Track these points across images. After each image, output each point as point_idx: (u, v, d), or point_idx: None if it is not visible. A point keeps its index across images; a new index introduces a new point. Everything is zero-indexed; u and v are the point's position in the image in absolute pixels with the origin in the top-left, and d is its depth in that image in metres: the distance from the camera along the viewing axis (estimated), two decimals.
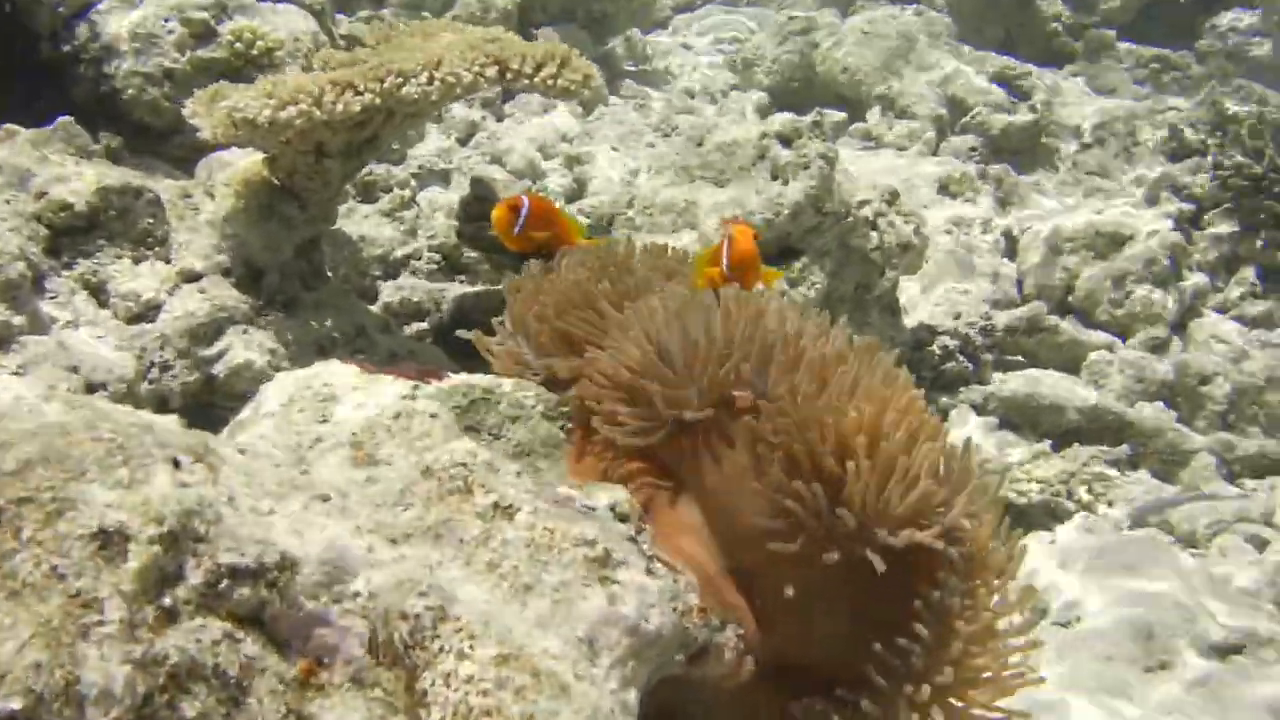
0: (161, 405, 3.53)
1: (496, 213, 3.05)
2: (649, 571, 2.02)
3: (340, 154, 3.84)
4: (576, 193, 6.11)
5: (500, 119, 7.39)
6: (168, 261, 3.76)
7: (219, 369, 3.62)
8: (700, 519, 2.28)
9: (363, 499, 1.87)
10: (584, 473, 2.40)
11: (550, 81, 3.70)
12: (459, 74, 3.55)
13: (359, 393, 2.35)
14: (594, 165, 6.10)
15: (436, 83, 3.54)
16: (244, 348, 3.65)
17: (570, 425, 2.48)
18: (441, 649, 1.65)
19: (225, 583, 1.63)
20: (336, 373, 2.42)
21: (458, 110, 7.25)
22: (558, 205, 3.40)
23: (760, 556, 2.20)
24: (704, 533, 2.27)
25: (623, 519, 2.21)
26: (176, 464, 1.72)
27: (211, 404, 3.66)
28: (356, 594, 1.69)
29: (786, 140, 4.10)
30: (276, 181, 3.87)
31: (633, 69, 8.88)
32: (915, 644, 2.08)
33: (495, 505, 1.87)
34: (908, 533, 2.05)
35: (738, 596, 2.28)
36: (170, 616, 1.53)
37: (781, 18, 8.66)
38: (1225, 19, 10.70)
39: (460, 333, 2.61)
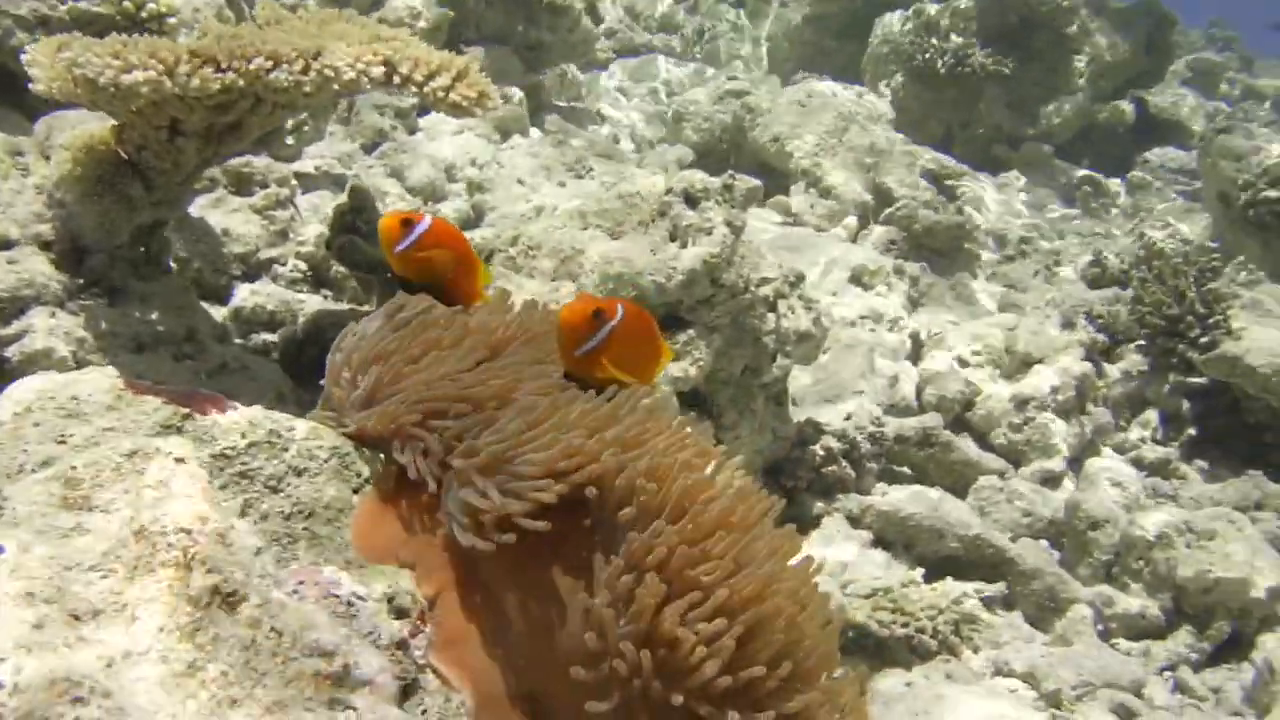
0: None
1: (385, 222, 2.63)
2: (404, 693, 1.65)
3: (198, 135, 3.41)
4: (473, 221, 5.74)
5: (412, 131, 7.02)
6: None
7: (12, 352, 3.17)
8: (495, 628, 1.90)
9: (52, 555, 1.47)
10: (374, 548, 2.01)
11: (441, 94, 3.32)
12: (338, 68, 3.16)
13: (112, 414, 1.95)
14: (494, 195, 5.73)
15: (312, 73, 3.14)
16: (47, 332, 3.21)
17: (369, 490, 2.10)
18: None
19: None
20: (92, 385, 2.02)
21: (367, 116, 6.87)
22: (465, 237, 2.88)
23: (561, 693, 1.84)
24: (497, 646, 1.89)
25: (400, 614, 1.84)
26: None
27: None
28: None
29: (692, 200, 3.76)
30: (124, 155, 3.44)
31: (561, 104, 8.56)
32: None
33: (215, 590, 1.48)
34: (736, 716, 1.71)
35: None
36: None
37: (721, 77, 8.40)
38: (1157, 153, 10.72)
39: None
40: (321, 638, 1.49)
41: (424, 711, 1.76)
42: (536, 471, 1.87)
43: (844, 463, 4.49)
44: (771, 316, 3.96)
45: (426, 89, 3.35)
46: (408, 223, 2.59)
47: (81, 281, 3.41)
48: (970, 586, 4.15)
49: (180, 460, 1.71)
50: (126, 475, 1.65)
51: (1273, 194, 7.41)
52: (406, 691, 1.67)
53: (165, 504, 1.58)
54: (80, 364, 3.25)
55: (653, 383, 2.19)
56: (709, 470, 1.95)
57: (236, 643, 1.45)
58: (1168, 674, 4.24)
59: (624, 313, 2.10)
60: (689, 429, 2.01)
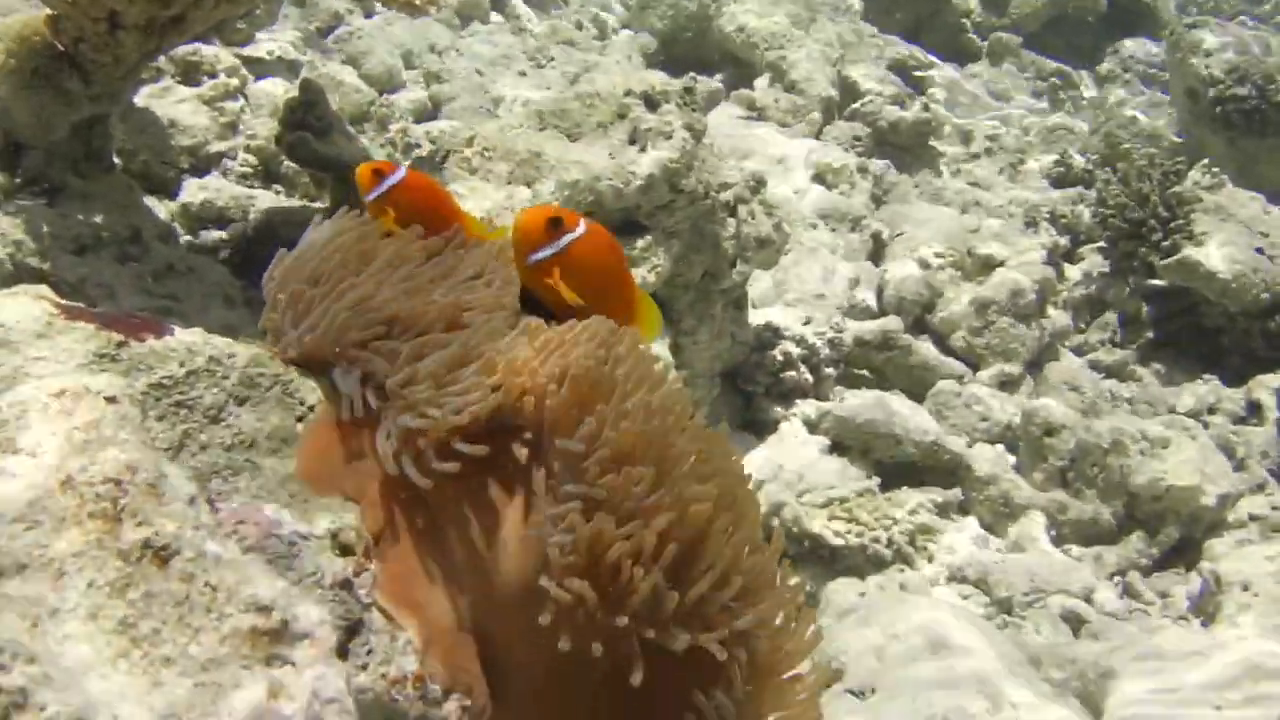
0: None
1: (360, 171, 2.54)
2: (349, 634, 1.62)
3: (139, 28, 3.27)
4: (430, 113, 5.61)
5: (369, 14, 6.81)
6: None
7: None
8: (440, 561, 1.87)
9: None
10: (318, 480, 1.96)
11: None
12: None
13: (43, 342, 1.87)
14: (452, 85, 5.59)
15: None
16: None
17: (314, 418, 2.04)
18: None
19: None
20: (21, 310, 1.94)
21: None
22: (446, 189, 2.78)
23: (515, 626, 1.81)
24: (443, 580, 1.86)
25: (345, 551, 1.80)
26: None
27: None
28: None
29: (653, 103, 3.67)
30: (61, 46, 3.30)
31: None
32: None
33: (145, 544, 1.43)
34: (686, 637, 1.69)
35: (473, 662, 1.88)
36: None
37: None
38: (1129, 45, 10.57)
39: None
40: (259, 592, 1.45)
41: (369, 651, 1.74)
42: (475, 384, 1.83)
43: (802, 368, 4.47)
44: (732, 222, 3.91)
45: None
46: (379, 172, 2.50)
47: (19, 181, 3.30)
48: (925, 496, 4.15)
49: (111, 400, 1.65)
50: (54, 417, 1.59)
51: (1240, 91, 7.32)
52: (351, 632, 1.64)
53: (93, 451, 1.52)
54: (18, 267, 3.16)
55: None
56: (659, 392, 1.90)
57: (169, 599, 1.41)
58: (1117, 579, 4.30)
59: (586, 229, 2.02)
60: (649, 356, 1.95)
